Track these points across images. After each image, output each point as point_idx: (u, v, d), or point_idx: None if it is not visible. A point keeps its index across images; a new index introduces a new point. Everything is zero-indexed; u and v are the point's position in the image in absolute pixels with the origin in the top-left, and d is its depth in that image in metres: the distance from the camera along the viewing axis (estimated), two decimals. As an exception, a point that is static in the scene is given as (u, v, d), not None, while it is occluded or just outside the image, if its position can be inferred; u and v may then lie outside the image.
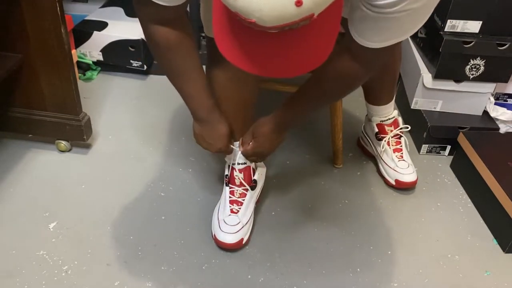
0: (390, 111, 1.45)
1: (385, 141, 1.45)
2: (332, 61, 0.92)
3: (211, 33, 1.11)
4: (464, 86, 1.52)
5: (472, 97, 1.55)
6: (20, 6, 1.23)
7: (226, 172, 1.30)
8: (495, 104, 1.55)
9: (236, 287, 1.15)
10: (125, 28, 1.85)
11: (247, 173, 1.27)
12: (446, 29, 1.42)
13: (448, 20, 1.41)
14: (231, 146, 1.21)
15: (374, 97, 1.44)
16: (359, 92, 1.43)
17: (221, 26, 0.73)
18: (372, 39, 0.87)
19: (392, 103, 1.45)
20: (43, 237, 1.24)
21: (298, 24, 0.63)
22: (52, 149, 1.50)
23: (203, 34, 1.93)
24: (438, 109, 1.59)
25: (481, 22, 1.40)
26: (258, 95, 1.24)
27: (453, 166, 1.54)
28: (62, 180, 1.41)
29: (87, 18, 1.91)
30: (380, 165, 1.48)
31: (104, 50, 1.84)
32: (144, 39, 1.76)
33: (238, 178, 1.26)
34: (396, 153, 1.44)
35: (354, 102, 1.74)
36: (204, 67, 1.11)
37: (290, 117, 1.13)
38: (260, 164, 1.32)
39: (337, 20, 0.72)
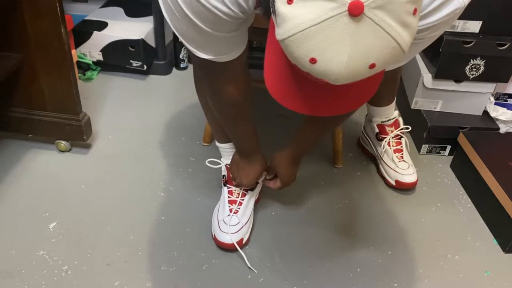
0: (391, 112, 1.45)
1: (385, 141, 1.45)
2: None
3: None
4: (464, 86, 1.52)
5: (472, 97, 1.55)
6: (20, 6, 1.23)
7: (224, 173, 1.30)
8: (495, 104, 1.55)
9: (236, 287, 1.15)
10: (125, 28, 1.85)
11: None
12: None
13: (448, 20, 1.41)
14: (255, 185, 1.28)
15: (375, 99, 1.44)
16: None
17: (275, 69, 0.73)
18: None
19: (393, 104, 1.45)
20: (43, 237, 1.24)
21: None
22: (52, 149, 1.50)
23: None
24: (438, 109, 1.59)
25: (481, 22, 1.40)
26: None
27: (453, 166, 1.54)
28: (62, 180, 1.41)
29: (87, 18, 1.91)
30: (380, 166, 1.48)
31: (104, 50, 1.84)
32: (145, 39, 1.80)
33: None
34: (397, 154, 1.44)
35: (354, 102, 1.74)
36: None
37: (303, 147, 1.20)
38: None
39: None
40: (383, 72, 0.70)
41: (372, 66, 0.59)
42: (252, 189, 1.27)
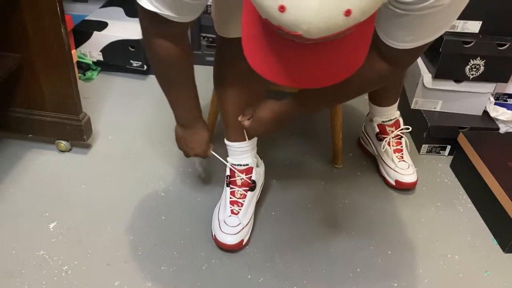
0: (393, 113, 1.45)
1: (386, 141, 1.45)
2: None
3: (223, 32, 1.12)
4: (464, 86, 1.52)
5: (472, 97, 1.55)
6: (20, 6, 1.23)
7: (227, 173, 1.29)
8: (495, 104, 1.55)
9: (236, 287, 1.15)
10: (125, 28, 1.85)
11: (249, 174, 1.27)
12: (446, 29, 1.42)
13: (448, 20, 1.41)
14: (210, 151, 1.26)
15: (380, 98, 1.43)
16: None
17: (253, 38, 0.70)
18: (402, 39, 0.81)
19: (396, 104, 1.45)
20: (43, 237, 1.24)
21: (343, 34, 0.60)
22: (52, 149, 1.50)
23: (203, 35, 1.93)
24: (438, 109, 1.59)
25: (481, 22, 1.40)
26: (264, 96, 1.23)
27: (453, 166, 1.54)
28: (62, 180, 1.41)
29: (87, 18, 1.91)
30: (380, 166, 1.48)
31: (104, 50, 1.84)
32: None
33: (240, 179, 1.26)
34: (397, 154, 1.44)
35: (354, 102, 1.74)
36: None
37: (297, 110, 1.05)
38: (259, 163, 1.32)
39: (372, 26, 0.68)
40: (368, 38, 0.67)
41: (347, 12, 0.55)
42: (252, 189, 1.27)
